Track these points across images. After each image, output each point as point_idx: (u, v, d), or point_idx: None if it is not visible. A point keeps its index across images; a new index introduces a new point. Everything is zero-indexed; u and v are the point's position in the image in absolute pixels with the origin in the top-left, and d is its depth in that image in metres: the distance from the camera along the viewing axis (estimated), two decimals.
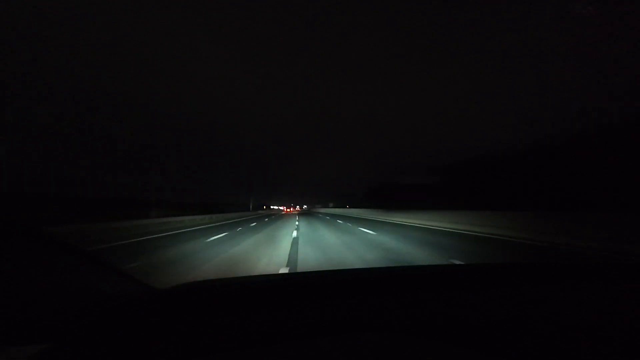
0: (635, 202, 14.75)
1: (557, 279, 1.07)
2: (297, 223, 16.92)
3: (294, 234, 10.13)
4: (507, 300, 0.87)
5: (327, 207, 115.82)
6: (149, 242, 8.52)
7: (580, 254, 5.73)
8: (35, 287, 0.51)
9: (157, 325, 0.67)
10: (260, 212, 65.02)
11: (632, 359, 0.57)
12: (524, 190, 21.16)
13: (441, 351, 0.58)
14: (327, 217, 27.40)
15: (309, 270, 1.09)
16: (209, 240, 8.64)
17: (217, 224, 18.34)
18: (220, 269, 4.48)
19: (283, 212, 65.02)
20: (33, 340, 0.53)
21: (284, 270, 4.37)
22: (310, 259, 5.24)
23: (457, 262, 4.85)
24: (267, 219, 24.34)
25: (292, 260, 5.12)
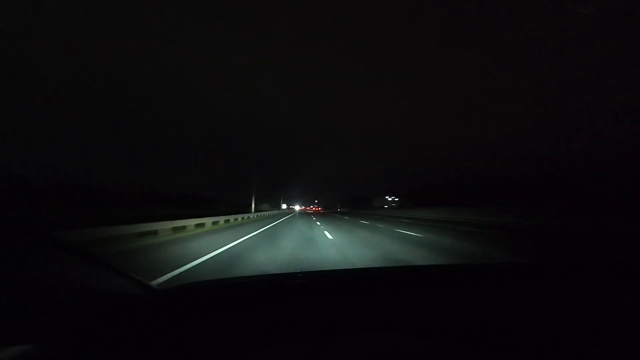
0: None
1: (557, 279, 1.06)
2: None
3: None
4: (507, 300, 0.87)
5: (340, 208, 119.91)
6: None
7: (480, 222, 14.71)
8: (35, 287, 0.51)
9: (157, 325, 0.67)
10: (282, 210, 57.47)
11: (632, 359, 0.57)
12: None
13: (441, 351, 0.58)
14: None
15: (309, 270, 1.06)
16: None
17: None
18: None
19: (310, 212, 60.44)
20: (33, 340, 0.53)
21: None
22: None
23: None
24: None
25: None
